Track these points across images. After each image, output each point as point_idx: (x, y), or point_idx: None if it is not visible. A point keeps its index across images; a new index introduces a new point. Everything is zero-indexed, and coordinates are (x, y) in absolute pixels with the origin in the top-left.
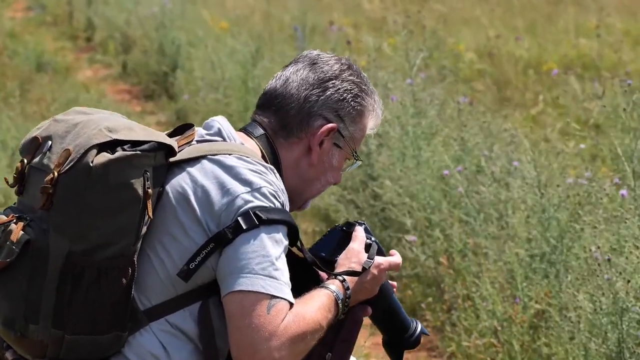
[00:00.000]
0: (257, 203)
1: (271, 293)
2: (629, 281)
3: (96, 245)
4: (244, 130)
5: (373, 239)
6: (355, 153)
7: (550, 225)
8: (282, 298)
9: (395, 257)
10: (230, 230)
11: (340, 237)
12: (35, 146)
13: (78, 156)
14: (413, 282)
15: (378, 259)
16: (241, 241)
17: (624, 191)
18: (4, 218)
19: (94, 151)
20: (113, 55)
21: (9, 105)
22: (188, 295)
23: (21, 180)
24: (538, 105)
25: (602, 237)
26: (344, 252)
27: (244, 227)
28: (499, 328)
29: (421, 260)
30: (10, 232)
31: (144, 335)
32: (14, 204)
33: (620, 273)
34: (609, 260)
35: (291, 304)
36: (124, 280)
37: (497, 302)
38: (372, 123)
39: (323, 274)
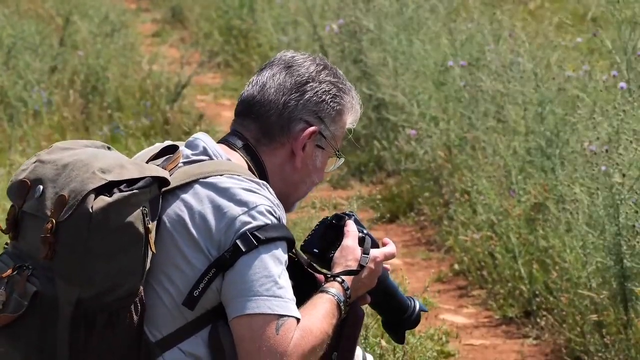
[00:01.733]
0: (254, 223)
1: (278, 313)
2: (624, 175)
3: (104, 288)
4: (226, 142)
5: (365, 231)
6: (338, 151)
7: (546, 118)
8: (289, 316)
9: (389, 247)
10: (230, 253)
11: (330, 231)
12: (24, 190)
13: (76, 203)
14: (411, 176)
15: (373, 252)
16: (242, 264)
17: (623, 83)
18: (6, 272)
19: (92, 196)
20: None
21: (4, 2)
22: (197, 321)
23: (14, 225)
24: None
25: (598, 130)
26: (338, 250)
27: (243, 249)
28: (496, 221)
29: (419, 154)
30: (15, 283)
31: None
32: (5, 244)
33: (618, 164)
34: (606, 151)
35: (298, 320)
36: (135, 318)
37: (491, 195)
38: (351, 118)
39: (320, 275)
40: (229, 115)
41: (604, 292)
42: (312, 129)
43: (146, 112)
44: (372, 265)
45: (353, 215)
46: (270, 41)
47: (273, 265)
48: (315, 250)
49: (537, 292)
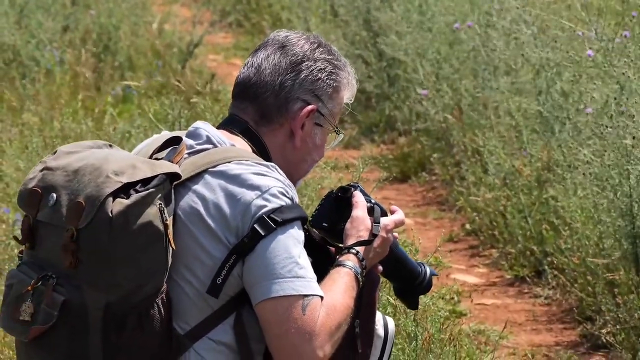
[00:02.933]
0: (270, 206)
1: (302, 293)
2: (634, 137)
3: (131, 290)
4: (226, 127)
5: (373, 200)
6: (337, 128)
7: (556, 80)
8: (313, 295)
9: (398, 214)
10: (249, 238)
11: (337, 203)
12: (36, 199)
13: (95, 209)
14: (422, 136)
15: (383, 221)
16: (262, 248)
17: (589, 51)
18: (31, 282)
19: (110, 200)
20: None
21: None
22: (223, 309)
23: (30, 236)
24: None
25: (606, 93)
26: (349, 221)
27: (262, 233)
28: (507, 181)
29: (431, 114)
30: (42, 294)
31: (189, 358)
32: (19, 252)
33: (635, 122)
34: (622, 113)
35: (321, 297)
36: (163, 314)
37: (501, 155)
38: (348, 94)
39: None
40: None
41: (616, 253)
42: (309, 107)
43: (158, 71)
44: (383, 234)
45: (358, 186)
46: (280, 0)
47: (292, 246)
48: (324, 224)
49: (548, 252)
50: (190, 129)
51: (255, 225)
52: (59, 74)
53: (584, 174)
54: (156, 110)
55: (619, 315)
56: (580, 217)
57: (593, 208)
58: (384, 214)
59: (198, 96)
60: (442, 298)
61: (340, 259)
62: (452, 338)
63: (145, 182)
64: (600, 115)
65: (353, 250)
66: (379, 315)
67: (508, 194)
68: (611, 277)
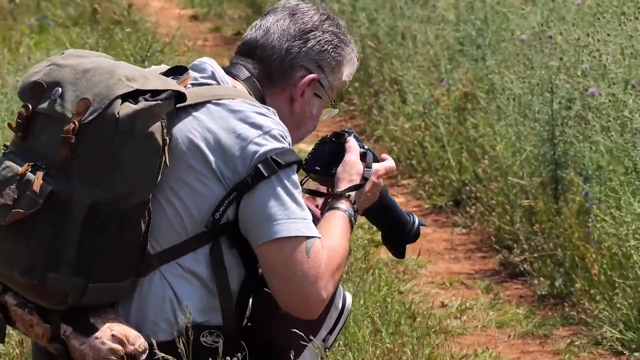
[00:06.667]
0: (270, 146)
1: (305, 234)
2: (561, 58)
3: (120, 194)
4: (228, 72)
5: (366, 147)
6: (333, 101)
7: (476, 7)
8: (314, 237)
9: (389, 162)
10: (251, 178)
11: (331, 148)
12: (39, 91)
13: (103, 106)
14: None
15: (375, 166)
16: (264, 189)
17: None
18: (20, 169)
19: (119, 101)
20: None
21: None
22: (199, 237)
23: (25, 126)
24: None
25: (529, 19)
26: (341, 165)
27: (265, 174)
28: (425, 111)
29: None
30: (29, 181)
31: (154, 279)
32: (4, 146)
33: (556, 48)
34: (550, 37)
35: (320, 239)
36: (143, 227)
37: (421, 85)
38: (348, 71)
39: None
40: (157, 5)
41: (535, 179)
42: (311, 76)
43: (74, 1)
44: (374, 179)
45: (352, 132)
46: None
47: (293, 188)
48: (316, 168)
49: (466, 181)
50: (196, 62)
51: (259, 166)
52: None
53: (508, 99)
54: (73, 40)
55: (536, 243)
56: (499, 145)
57: (515, 135)
58: (375, 160)
59: (116, 26)
60: (361, 227)
61: (334, 202)
62: (370, 267)
63: (155, 93)
64: (529, 42)
65: (346, 195)
66: (339, 288)
67: (426, 124)
68: (529, 203)
